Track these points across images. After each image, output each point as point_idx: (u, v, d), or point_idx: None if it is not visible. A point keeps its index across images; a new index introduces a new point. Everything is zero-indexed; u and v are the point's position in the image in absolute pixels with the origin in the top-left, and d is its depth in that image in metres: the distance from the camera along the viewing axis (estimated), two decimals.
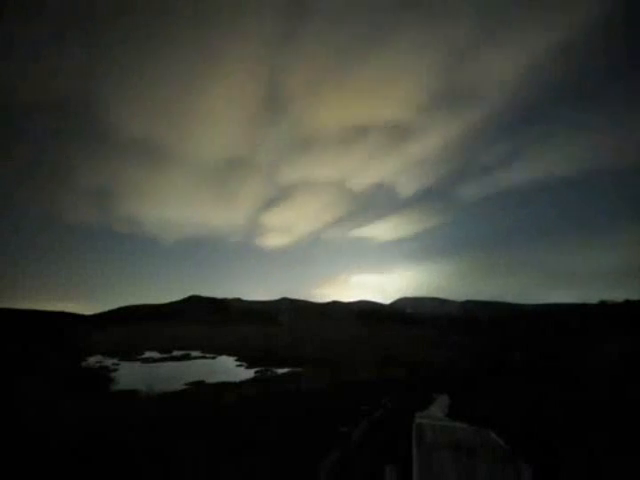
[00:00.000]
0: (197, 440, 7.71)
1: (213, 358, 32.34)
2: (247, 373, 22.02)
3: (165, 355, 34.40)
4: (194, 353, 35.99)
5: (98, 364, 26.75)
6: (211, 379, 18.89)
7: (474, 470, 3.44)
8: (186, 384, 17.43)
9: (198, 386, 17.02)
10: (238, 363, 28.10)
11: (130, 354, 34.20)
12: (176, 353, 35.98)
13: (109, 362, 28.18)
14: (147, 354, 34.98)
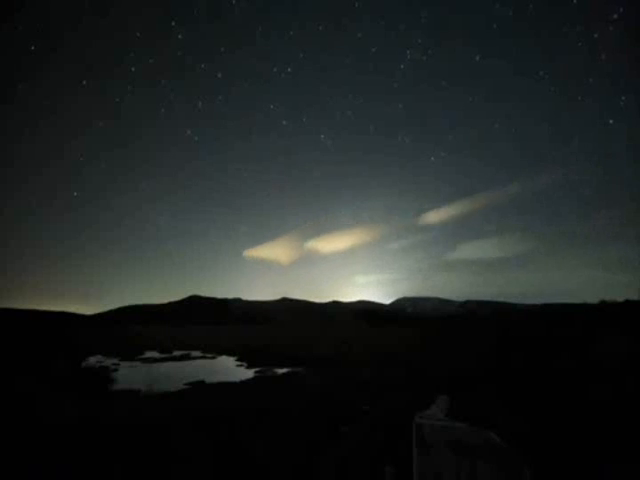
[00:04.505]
0: (197, 438, 7.70)
1: (213, 358, 32.27)
2: (247, 373, 21.98)
3: (165, 355, 34.33)
4: (194, 353, 35.91)
5: (98, 364, 26.71)
6: (211, 379, 18.88)
7: (474, 470, 3.43)
8: (186, 384, 17.41)
9: (198, 386, 17.02)
10: (238, 363, 28.03)
11: (130, 354, 34.13)
12: (176, 353, 35.93)
13: (109, 362, 28.14)
14: (147, 354, 34.93)
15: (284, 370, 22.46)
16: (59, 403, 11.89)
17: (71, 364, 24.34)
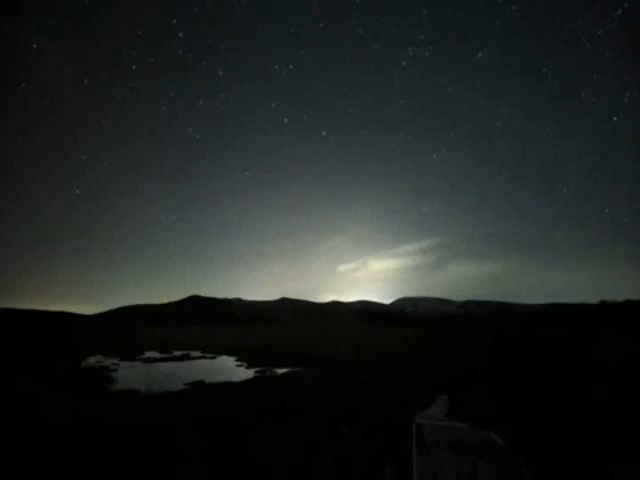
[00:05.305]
0: (197, 438, 7.70)
1: (213, 358, 32.26)
2: (247, 373, 21.97)
3: (165, 355, 34.33)
4: (194, 353, 35.91)
5: (98, 364, 26.69)
6: (211, 379, 18.88)
7: (474, 470, 3.43)
8: (186, 384, 17.41)
9: (198, 386, 17.01)
10: (238, 363, 28.03)
11: (130, 354, 34.12)
12: (176, 353, 35.91)
13: (109, 362, 28.12)
14: (147, 354, 34.92)
15: (284, 370, 22.46)
16: (59, 403, 11.89)
17: (71, 364, 24.34)
